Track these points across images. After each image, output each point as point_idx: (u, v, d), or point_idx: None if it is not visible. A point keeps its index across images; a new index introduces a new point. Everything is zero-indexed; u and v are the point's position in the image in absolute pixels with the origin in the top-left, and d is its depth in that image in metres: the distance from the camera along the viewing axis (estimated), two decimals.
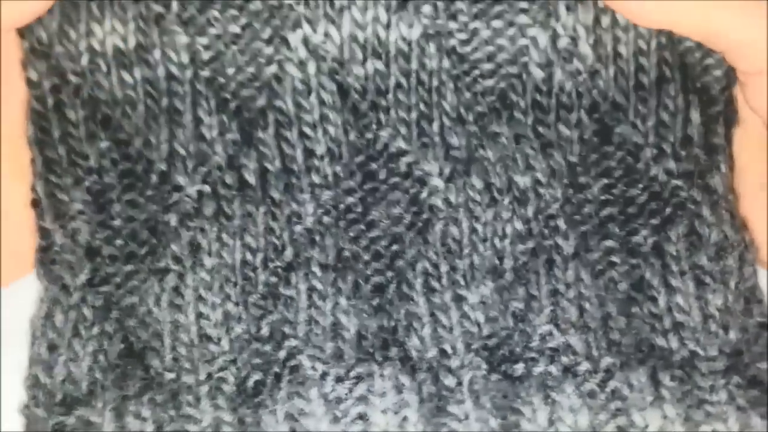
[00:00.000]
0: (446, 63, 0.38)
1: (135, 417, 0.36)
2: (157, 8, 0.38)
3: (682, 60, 0.38)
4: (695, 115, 0.38)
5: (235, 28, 0.38)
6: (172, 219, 0.38)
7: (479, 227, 0.38)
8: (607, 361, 0.36)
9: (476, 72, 0.38)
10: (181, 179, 0.38)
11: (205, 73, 0.39)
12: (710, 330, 0.36)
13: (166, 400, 0.37)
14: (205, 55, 0.39)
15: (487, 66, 0.38)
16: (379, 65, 0.38)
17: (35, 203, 0.39)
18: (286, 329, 0.37)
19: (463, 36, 0.38)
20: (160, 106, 0.39)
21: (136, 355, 0.38)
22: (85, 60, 0.39)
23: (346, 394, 0.36)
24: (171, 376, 0.37)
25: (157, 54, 0.39)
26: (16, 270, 0.40)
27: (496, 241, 0.38)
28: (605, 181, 0.38)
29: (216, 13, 0.38)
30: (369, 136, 0.39)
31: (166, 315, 0.38)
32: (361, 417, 0.36)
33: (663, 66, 0.38)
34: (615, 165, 0.38)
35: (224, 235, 0.38)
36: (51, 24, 0.39)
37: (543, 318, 0.37)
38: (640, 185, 0.38)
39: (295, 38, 0.38)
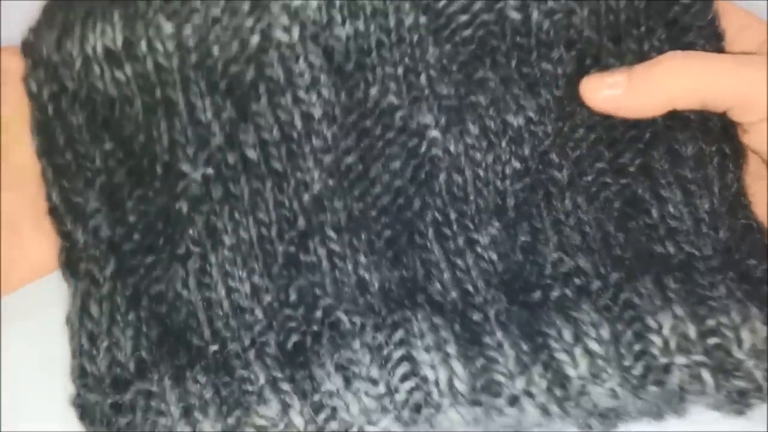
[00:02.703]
0: (423, 19, 0.39)
1: (193, 382, 0.38)
2: (141, 6, 0.39)
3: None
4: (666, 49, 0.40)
5: (216, 11, 0.39)
6: (183, 206, 0.39)
7: (481, 172, 0.39)
8: (614, 276, 0.38)
9: (453, 24, 0.39)
10: (185, 167, 0.39)
11: (192, 57, 0.39)
12: (702, 232, 0.38)
13: (217, 368, 0.38)
14: (191, 41, 0.39)
15: (464, 17, 0.39)
16: (359, 25, 0.39)
17: (52, 210, 0.40)
18: (316, 291, 0.39)
19: None
20: (154, 99, 0.39)
21: (174, 335, 0.39)
22: (78, 65, 0.39)
23: (387, 341, 0.38)
24: (214, 347, 0.38)
25: (143, 47, 0.39)
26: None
27: (498, 182, 0.39)
28: (587, 111, 0.39)
29: (197, 3, 0.39)
30: (359, 95, 0.39)
31: (196, 295, 0.39)
32: (405, 358, 0.37)
33: (632, 8, 0.39)
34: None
35: (236, 214, 0.39)
36: (50, 38, 0.40)
37: (551, 247, 0.39)
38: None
39: (275, 4, 0.39)
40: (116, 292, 0.39)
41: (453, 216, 0.39)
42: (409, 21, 0.39)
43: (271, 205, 0.39)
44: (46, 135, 0.40)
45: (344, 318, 0.38)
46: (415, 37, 0.39)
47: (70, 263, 0.40)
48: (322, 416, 0.37)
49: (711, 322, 0.37)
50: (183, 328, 0.39)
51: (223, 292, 0.39)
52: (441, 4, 0.39)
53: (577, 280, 0.38)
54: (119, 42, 0.39)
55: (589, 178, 0.39)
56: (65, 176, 0.40)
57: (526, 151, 0.39)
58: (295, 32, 0.39)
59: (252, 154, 0.39)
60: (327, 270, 0.39)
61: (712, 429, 0.37)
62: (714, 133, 0.39)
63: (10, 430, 0.39)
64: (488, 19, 0.39)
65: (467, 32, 0.39)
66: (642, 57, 0.39)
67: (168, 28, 0.39)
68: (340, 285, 0.38)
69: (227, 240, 0.39)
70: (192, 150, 0.39)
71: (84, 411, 0.38)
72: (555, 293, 0.38)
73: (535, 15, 0.39)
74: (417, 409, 0.37)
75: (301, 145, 0.39)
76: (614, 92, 0.38)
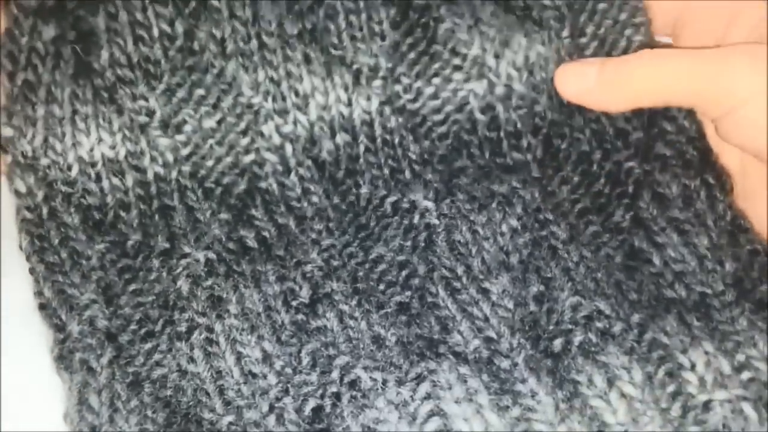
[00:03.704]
0: (401, 120, 0.42)
1: None
2: (142, 119, 0.41)
3: None
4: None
5: (210, 123, 0.41)
6: (184, 286, 0.39)
7: (478, 228, 0.40)
8: (636, 317, 0.37)
9: (429, 123, 0.42)
10: (186, 248, 0.40)
11: (187, 168, 0.41)
12: (708, 269, 0.39)
13: None
14: (185, 151, 0.41)
15: (437, 117, 0.42)
16: (347, 137, 0.42)
17: (42, 306, 0.39)
18: (330, 351, 0.37)
19: (409, 96, 0.42)
20: (151, 206, 0.40)
21: (183, 415, 0.36)
22: (75, 170, 0.40)
23: (412, 396, 0.35)
24: (229, 419, 0.36)
25: (146, 160, 0.41)
26: None
27: (498, 238, 0.40)
28: (568, 186, 0.41)
29: (191, 111, 0.41)
30: (351, 198, 0.41)
31: (204, 366, 0.37)
32: (435, 413, 0.35)
33: None
34: (571, 171, 0.41)
35: (241, 288, 0.39)
36: (35, 137, 0.40)
37: (566, 293, 0.38)
38: (601, 180, 0.41)
39: (268, 129, 0.42)
40: (115, 380, 0.37)
41: (461, 270, 0.39)
42: (391, 125, 0.42)
43: (274, 279, 0.39)
44: (37, 234, 0.40)
45: (363, 375, 0.36)
46: (397, 139, 0.42)
47: (64, 356, 0.38)
48: None
49: (741, 357, 0.36)
50: (192, 406, 0.36)
51: (232, 360, 0.37)
52: (416, 105, 0.42)
53: (598, 324, 0.37)
54: (122, 153, 0.41)
55: (587, 240, 0.40)
56: (59, 273, 0.39)
57: (519, 210, 0.40)
58: (288, 150, 0.41)
59: (252, 243, 0.40)
60: (339, 330, 0.38)
61: None
62: (694, 165, 0.41)
63: (10, 430, 0.37)
64: (459, 118, 0.42)
65: (442, 129, 0.42)
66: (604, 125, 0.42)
67: (165, 141, 0.41)
68: (355, 342, 0.37)
69: (233, 309, 0.38)
70: (193, 237, 0.40)
71: None
72: (578, 338, 0.37)
73: (501, 113, 0.42)
74: None
75: (298, 237, 0.40)
76: (586, 84, 0.40)
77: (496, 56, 0.42)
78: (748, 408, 0.35)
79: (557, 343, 0.37)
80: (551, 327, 0.38)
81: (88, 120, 0.41)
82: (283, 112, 0.42)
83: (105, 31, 0.42)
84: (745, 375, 0.35)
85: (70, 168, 0.40)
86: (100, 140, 0.41)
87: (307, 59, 0.42)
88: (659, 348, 0.36)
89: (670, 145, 0.41)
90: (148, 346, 0.38)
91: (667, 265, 0.39)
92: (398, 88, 0.42)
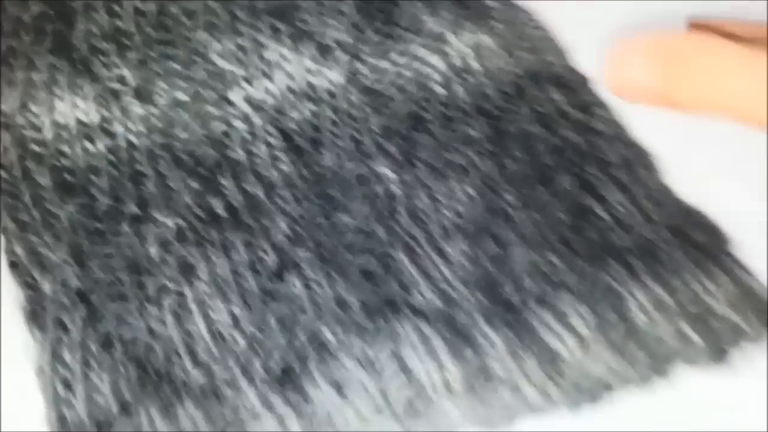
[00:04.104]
0: (365, 98, 0.44)
1: (184, 412, 0.36)
2: (116, 86, 0.42)
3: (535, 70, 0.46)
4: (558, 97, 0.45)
5: (182, 95, 0.43)
6: (154, 251, 0.40)
7: (438, 196, 0.42)
8: (586, 266, 0.40)
9: (391, 99, 0.44)
10: (157, 214, 0.41)
11: (158, 138, 0.42)
12: (652, 219, 0.41)
13: (206, 397, 0.37)
14: (157, 122, 0.43)
15: (398, 93, 0.45)
16: (314, 107, 0.44)
17: (14, 264, 0.39)
18: (297, 316, 0.39)
19: (372, 75, 0.45)
20: (122, 172, 0.42)
21: (156, 373, 0.38)
22: (50, 132, 0.42)
23: (377, 355, 0.37)
24: (202, 380, 0.37)
25: (118, 127, 0.42)
26: None
27: (456, 205, 0.42)
28: (518, 160, 0.43)
29: (164, 84, 0.43)
30: (316, 168, 0.43)
31: (174, 329, 0.38)
32: (400, 369, 0.37)
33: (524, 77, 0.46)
34: (519, 147, 0.44)
35: (210, 255, 0.40)
36: (13, 99, 0.42)
37: (521, 251, 0.40)
38: (548, 153, 0.44)
39: (236, 97, 0.43)
40: (88, 338, 0.38)
41: (420, 235, 0.41)
42: (355, 100, 0.44)
43: (243, 248, 0.40)
44: (11, 193, 0.41)
45: (330, 336, 0.38)
46: (360, 113, 0.44)
47: (36, 315, 0.39)
48: (317, 424, 0.36)
49: (686, 294, 0.39)
50: (164, 366, 0.38)
51: (202, 323, 0.38)
52: (379, 86, 0.44)
53: (552, 276, 0.40)
54: (95, 119, 0.42)
55: (537, 205, 0.42)
56: (31, 231, 0.40)
57: (475, 180, 0.42)
58: (256, 119, 0.43)
59: (221, 212, 0.41)
60: (305, 296, 0.39)
61: (713, 429, 0.38)
62: (627, 139, 0.44)
63: (11, 430, 0.37)
64: (420, 94, 0.45)
65: (403, 104, 0.44)
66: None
67: (139, 110, 0.42)
68: (322, 306, 0.39)
69: (202, 275, 0.39)
70: (163, 204, 0.41)
71: None
72: (534, 290, 0.39)
73: (459, 89, 0.45)
74: (413, 406, 0.37)
75: (267, 205, 0.42)
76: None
77: (454, 33, 0.45)
78: (686, 328, 0.38)
79: (514, 298, 0.39)
80: (508, 284, 0.40)
81: (64, 87, 0.42)
82: (252, 79, 0.44)
83: (83, 9, 0.45)
84: (693, 309, 0.39)
85: (44, 130, 0.42)
86: (74, 106, 0.42)
87: (276, 30, 0.45)
88: (610, 292, 0.39)
89: (605, 123, 0.45)
90: (119, 307, 0.39)
91: (612, 216, 0.42)
92: (361, 66, 0.45)
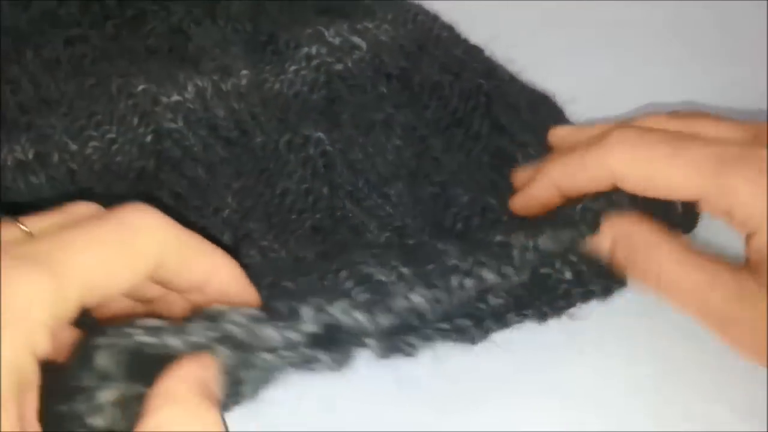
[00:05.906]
0: (277, 86, 0.47)
1: None
2: (49, 131, 0.45)
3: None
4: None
5: (111, 134, 0.45)
6: None
7: (369, 148, 0.45)
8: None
9: (300, 90, 0.47)
10: None
11: (97, 165, 0.45)
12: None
13: None
14: (93, 156, 0.45)
15: (305, 88, 0.47)
16: (232, 104, 0.47)
17: None
18: (257, 279, 0.38)
19: (275, 84, 0.48)
20: (69, 192, 0.44)
21: None
22: None
23: (335, 285, 0.37)
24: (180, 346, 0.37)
25: (55, 157, 0.44)
26: None
27: (387, 155, 0.45)
28: (430, 108, 0.47)
29: (92, 132, 0.45)
30: (249, 151, 0.45)
31: None
32: (368, 291, 0.36)
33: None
34: (429, 96, 0.47)
35: None
36: None
37: (459, 191, 0.43)
38: (456, 98, 0.47)
39: (158, 107, 0.46)
40: None
41: (361, 183, 0.44)
42: (271, 92, 0.47)
43: (196, 230, 0.41)
44: None
45: (291, 285, 0.39)
46: (280, 101, 0.47)
47: None
48: None
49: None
50: None
51: None
52: (285, 85, 0.47)
53: (490, 214, 0.43)
54: (30, 155, 0.44)
55: (458, 148, 0.45)
56: None
57: (399, 131, 0.46)
58: (180, 120, 0.46)
59: (168, 201, 0.43)
60: (264, 263, 0.41)
61: (713, 429, 0.38)
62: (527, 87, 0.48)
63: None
64: (325, 79, 0.47)
65: (315, 91, 0.47)
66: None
67: (73, 146, 0.45)
68: (280, 266, 0.41)
69: None
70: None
71: None
72: (475, 222, 0.42)
73: (354, 63, 0.48)
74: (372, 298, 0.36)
75: (211, 184, 0.44)
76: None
77: (328, 29, 0.49)
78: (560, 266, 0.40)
79: (459, 226, 0.42)
80: (451, 216, 0.43)
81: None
82: (168, 93, 0.46)
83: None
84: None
85: None
86: (11, 150, 0.44)
87: (183, 59, 0.48)
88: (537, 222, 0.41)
89: (505, 72, 0.48)
90: None
91: (528, 160, 0.44)
92: (263, 77, 0.48)
